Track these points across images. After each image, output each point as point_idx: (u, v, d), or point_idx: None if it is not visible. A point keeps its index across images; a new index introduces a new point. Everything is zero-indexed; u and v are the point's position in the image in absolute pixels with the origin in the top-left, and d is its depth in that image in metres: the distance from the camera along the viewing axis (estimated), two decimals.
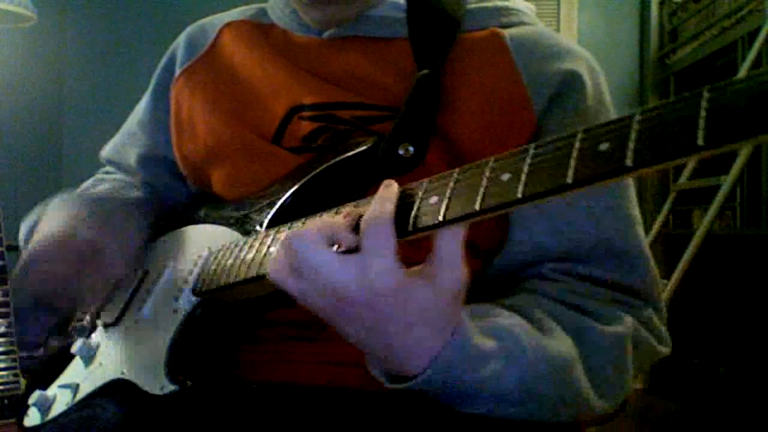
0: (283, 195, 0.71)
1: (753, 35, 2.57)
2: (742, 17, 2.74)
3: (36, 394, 0.82)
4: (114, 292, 0.85)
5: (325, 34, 0.80)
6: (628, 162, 0.39)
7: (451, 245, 0.50)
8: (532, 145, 0.45)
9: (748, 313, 2.49)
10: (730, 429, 2.38)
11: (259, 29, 0.86)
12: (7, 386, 1.48)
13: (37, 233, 0.78)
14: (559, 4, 3.49)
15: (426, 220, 0.49)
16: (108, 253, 0.76)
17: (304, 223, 0.60)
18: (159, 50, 0.98)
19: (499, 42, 0.75)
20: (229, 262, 0.66)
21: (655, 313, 0.70)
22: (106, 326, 0.82)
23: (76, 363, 0.83)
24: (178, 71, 0.90)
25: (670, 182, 3.07)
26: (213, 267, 0.69)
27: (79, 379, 0.81)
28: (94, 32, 3.36)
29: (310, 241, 0.52)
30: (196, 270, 0.72)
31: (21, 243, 0.86)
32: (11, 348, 1.53)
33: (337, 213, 0.57)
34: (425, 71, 0.72)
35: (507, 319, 0.60)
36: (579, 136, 0.43)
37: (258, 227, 0.70)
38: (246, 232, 0.71)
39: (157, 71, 0.94)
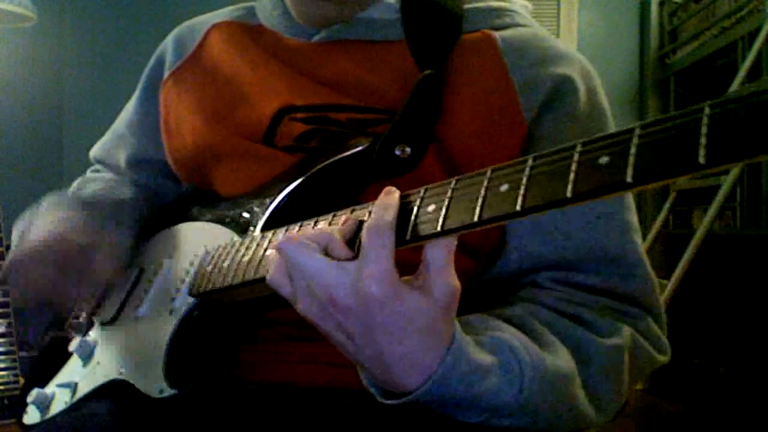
0: (278, 195, 0.70)
1: (753, 35, 2.57)
2: (742, 17, 2.74)
3: (34, 393, 0.82)
4: (108, 290, 0.85)
5: (315, 38, 0.79)
6: (628, 178, 0.38)
7: (442, 255, 0.50)
8: (531, 156, 0.45)
9: (748, 313, 2.49)
10: (731, 429, 2.38)
11: (248, 30, 0.85)
12: (7, 386, 1.48)
13: (24, 237, 0.78)
14: (559, 4, 3.49)
15: (424, 229, 0.49)
16: (97, 255, 0.76)
17: (300, 228, 0.60)
18: None
19: (490, 45, 0.74)
20: (226, 263, 0.66)
21: (653, 321, 0.69)
22: (103, 324, 0.82)
23: (74, 361, 0.83)
24: (166, 74, 0.89)
25: (670, 182, 3.07)
26: (209, 268, 0.69)
27: (78, 377, 0.80)
28: (94, 32, 3.36)
29: (303, 247, 0.52)
30: (193, 270, 0.72)
31: (13, 245, 0.86)
32: (11, 348, 1.53)
33: (334, 218, 0.57)
34: (428, 71, 0.71)
35: (506, 332, 0.59)
36: (578, 148, 0.42)
37: (253, 228, 0.70)
38: (241, 232, 0.71)
39: (146, 72, 0.93)
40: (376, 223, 0.50)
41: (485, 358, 0.55)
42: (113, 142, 0.97)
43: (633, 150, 0.39)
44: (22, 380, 1.50)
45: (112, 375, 0.76)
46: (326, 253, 0.52)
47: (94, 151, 1.00)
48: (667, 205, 2.93)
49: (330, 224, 0.57)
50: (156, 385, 0.68)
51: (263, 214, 0.70)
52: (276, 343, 0.73)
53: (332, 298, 0.50)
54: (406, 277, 0.51)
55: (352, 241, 0.53)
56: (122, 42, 3.25)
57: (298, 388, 0.71)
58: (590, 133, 0.42)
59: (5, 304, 1.52)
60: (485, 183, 0.46)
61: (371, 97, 0.74)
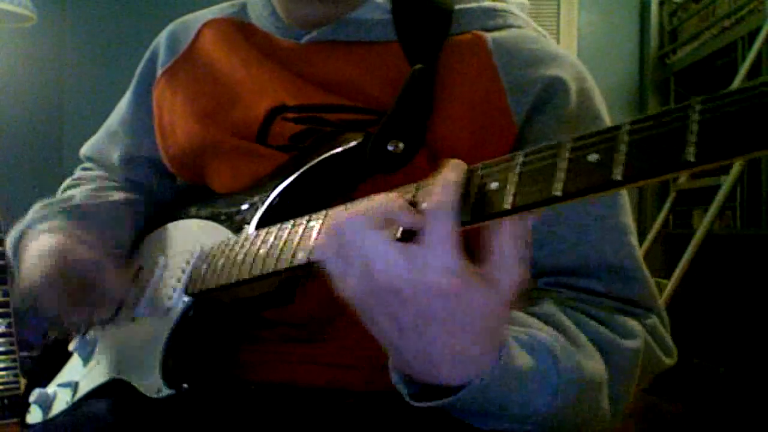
0: (272, 193, 0.70)
1: (753, 35, 2.57)
2: (742, 17, 2.74)
3: (36, 392, 0.82)
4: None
5: (305, 39, 0.78)
6: (617, 176, 0.38)
7: (510, 244, 0.46)
8: (521, 153, 0.44)
9: (748, 313, 2.49)
10: (731, 429, 2.37)
11: (240, 28, 0.84)
12: (7, 386, 1.48)
13: (23, 264, 0.77)
14: (559, 4, 3.48)
15: (492, 207, 0.44)
16: (99, 278, 0.75)
17: (347, 209, 0.54)
18: None
19: (481, 46, 0.73)
20: (220, 262, 0.66)
21: (659, 321, 0.68)
22: (102, 323, 0.82)
23: (75, 361, 0.83)
24: (159, 71, 0.89)
25: (670, 182, 3.07)
26: (204, 266, 0.69)
27: (78, 377, 0.81)
28: (94, 32, 3.36)
29: (364, 225, 0.47)
30: (189, 269, 0.72)
31: (9, 250, 0.85)
32: (11, 348, 1.53)
33: (385, 197, 0.52)
34: (419, 66, 0.71)
35: (543, 332, 0.56)
36: (568, 145, 0.41)
37: (247, 226, 0.70)
38: (236, 230, 0.71)
39: (139, 69, 0.93)
40: (440, 204, 0.45)
41: (525, 361, 0.52)
42: (106, 139, 0.97)
43: (622, 147, 0.38)
44: (22, 380, 1.49)
45: (112, 374, 0.76)
46: (386, 226, 0.47)
47: (85, 150, 1.00)
48: (667, 205, 2.93)
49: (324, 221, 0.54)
50: (153, 385, 0.68)
51: (257, 211, 0.70)
52: (276, 344, 0.73)
53: (393, 285, 0.45)
54: (475, 270, 0.47)
55: (414, 223, 0.48)
56: (122, 42, 3.25)
57: (298, 388, 0.71)
58: None
59: (5, 304, 1.52)
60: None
61: (363, 98, 0.73)
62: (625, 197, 0.70)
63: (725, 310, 2.64)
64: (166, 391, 0.67)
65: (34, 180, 3.08)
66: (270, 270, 0.58)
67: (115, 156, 0.94)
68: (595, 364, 0.58)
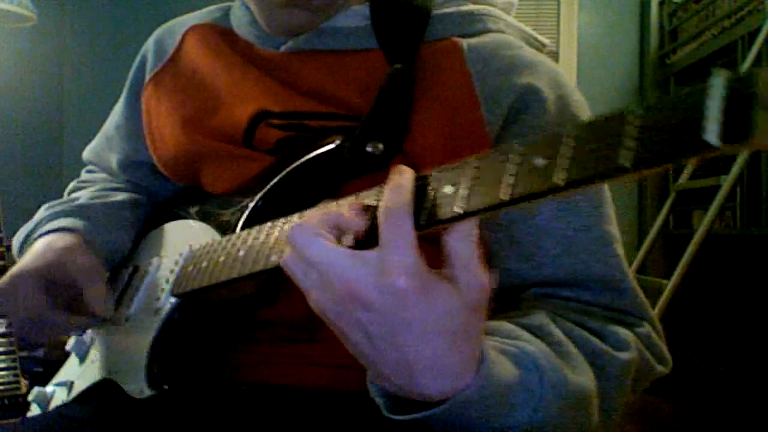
0: (254, 197, 0.70)
1: (753, 35, 2.57)
2: (742, 17, 2.74)
3: (35, 391, 0.83)
4: (108, 287, 0.85)
5: (282, 48, 0.78)
6: (558, 181, 0.37)
7: (465, 246, 0.45)
8: (474, 157, 0.44)
9: (748, 313, 2.49)
10: (731, 429, 2.38)
11: (223, 33, 0.85)
12: (7, 386, 1.48)
13: (23, 259, 0.77)
14: (559, 4, 3.48)
15: (444, 212, 0.44)
16: (87, 292, 0.75)
17: (301, 216, 0.56)
18: None
19: (456, 53, 0.72)
20: (204, 264, 0.66)
21: (652, 329, 0.67)
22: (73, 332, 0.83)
23: (72, 360, 0.83)
24: (147, 77, 0.89)
25: (670, 182, 3.08)
26: (191, 267, 0.69)
27: (74, 376, 0.81)
28: (94, 32, 3.36)
29: (315, 236, 0.46)
30: (177, 269, 0.72)
31: (15, 253, 0.86)
32: (11, 348, 1.53)
33: (338, 204, 0.53)
34: (397, 65, 0.70)
35: (531, 344, 0.55)
36: (517, 149, 0.41)
37: (233, 227, 0.70)
38: (223, 231, 0.71)
39: (131, 74, 0.93)
40: (392, 207, 0.44)
41: (509, 373, 0.51)
42: (103, 144, 0.98)
43: (565, 151, 0.38)
44: (22, 380, 1.50)
45: (102, 374, 0.76)
46: (339, 235, 0.47)
47: (86, 154, 1.02)
48: (667, 205, 2.93)
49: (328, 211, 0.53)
50: (136, 386, 0.69)
51: (242, 216, 0.70)
52: (269, 345, 0.73)
53: (353, 292, 0.44)
54: (437, 269, 0.46)
55: (369, 227, 0.47)
56: (122, 42, 3.25)
57: (291, 389, 0.71)
58: None
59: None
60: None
61: (343, 105, 0.73)
62: (609, 206, 0.69)
63: (725, 310, 2.64)
64: (147, 392, 0.67)
65: (34, 180, 3.08)
66: (246, 272, 0.58)
67: (113, 161, 0.95)
68: (584, 379, 0.56)
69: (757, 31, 2.53)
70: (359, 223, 0.47)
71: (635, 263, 2.86)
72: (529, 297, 0.66)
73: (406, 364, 0.46)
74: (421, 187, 0.46)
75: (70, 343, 0.83)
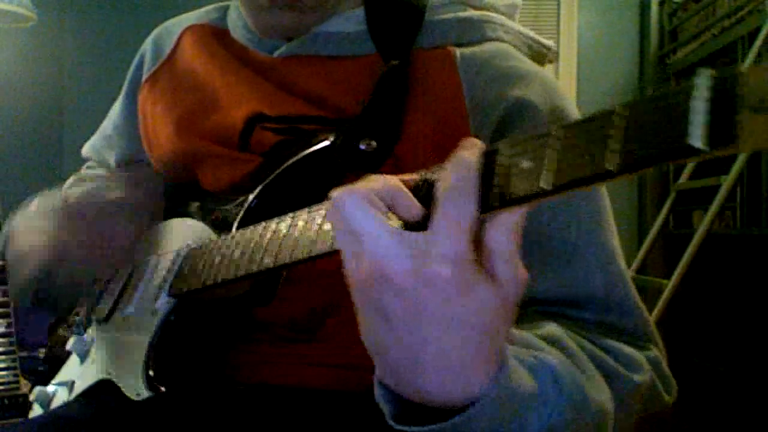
0: (250, 195, 0.70)
1: (753, 35, 2.57)
2: (742, 17, 2.74)
3: (36, 390, 0.83)
4: (105, 287, 0.85)
5: (276, 53, 0.77)
6: (544, 185, 0.36)
7: (506, 239, 0.41)
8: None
9: (748, 313, 2.49)
10: (731, 429, 2.37)
11: (219, 34, 0.84)
12: (7, 386, 1.48)
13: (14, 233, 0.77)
14: (559, 4, 3.48)
15: (522, 189, 0.39)
16: (118, 220, 0.76)
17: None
18: None
19: (449, 62, 0.71)
20: (200, 263, 0.66)
21: (659, 353, 0.64)
22: (98, 322, 0.83)
23: (73, 359, 0.83)
24: (144, 77, 0.89)
25: (670, 182, 3.07)
26: (187, 268, 0.69)
27: (75, 376, 0.81)
28: (94, 32, 3.36)
29: (362, 201, 0.42)
30: (174, 269, 0.73)
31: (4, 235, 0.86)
32: (11, 348, 1.53)
33: (309, 214, 0.51)
34: (393, 62, 0.70)
35: (549, 354, 0.51)
36: (507, 149, 0.39)
37: (229, 227, 0.70)
38: (220, 230, 0.71)
39: (129, 74, 0.93)
40: (452, 187, 0.40)
41: (526, 384, 0.47)
42: (102, 142, 0.98)
43: (550, 153, 0.36)
44: (22, 380, 1.49)
45: (101, 375, 0.76)
46: (389, 213, 0.42)
47: (86, 150, 1.02)
48: (667, 205, 2.93)
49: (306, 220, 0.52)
50: (133, 388, 0.68)
51: (238, 215, 0.70)
52: (268, 345, 0.73)
53: (384, 273, 0.40)
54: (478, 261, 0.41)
55: (424, 201, 0.43)
56: (122, 42, 3.24)
57: (291, 389, 0.71)
58: None
59: (5, 304, 1.51)
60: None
61: (336, 111, 0.72)
62: (610, 216, 0.67)
63: (725, 310, 2.64)
64: (145, 394, 0.67)
65: (34, 180, 3.07)
66: (242, 273, 0.58)
67: (111, 160, 0.96)
68: (601, 394, 0.53)
69: (757, 31, 2.53)
70: (414, 201, 0.43)
71: (635, 263, 2.85)
72: (530, 314, 0.63)
73: (418, 356, 0.42)
74: (489, 164, 0.41)
75: (71, 342, 0.83)
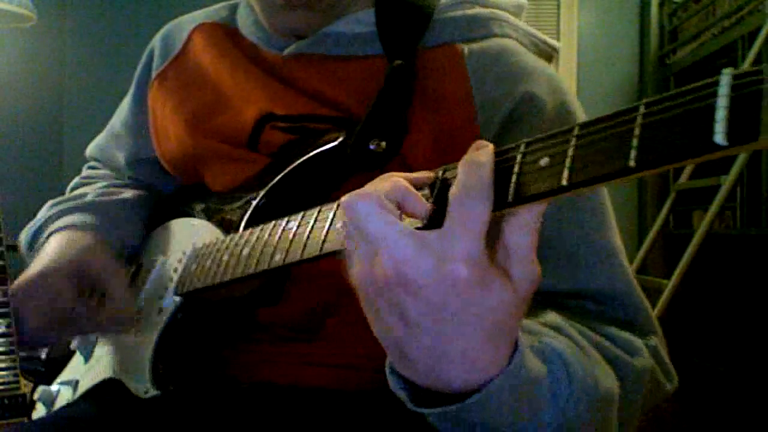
0: (258, 195, 0.70)
1: (753, 35, 2.57)
2: (742, 17, 2.74)
3: (40, 390, 0.83)
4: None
5: (286, 52, 0.78)
6: (564, 181, 0.37)
7: (526, 238, 0.42)
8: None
9: (748, 313, 2.49)
10: (730, 428, 2.38)
11: (229, 33, 0.84)
12: (7, 386, 1.48)
13: (42, 257, 0.77)
14: (559, 4, 3.48)
15: (540, 186, 0.40)
16: (110, 284, 0.75)
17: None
18: None
19: (456, 59, 0.72)
20: (208, 262, 0.67)
21: (659, 343, 0.64)
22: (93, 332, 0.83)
23: (77, 359, 0.83)
24: (153, 74, 0.89)
25: (670, 182, 3.07)
26: (194, 266, 0.70)
27: (79, 375, 0.81)
28: (94, 32, 3.36)
29: (376, 206, 0.42)
30: (180, 268, 0.73)
31: (23, 251, 0.86)
32: (11, 348, 1.53)
33: (319, 214, 0.52)
34: (398, 62, 0.70)
35: (556, 339, 0.52)
36: (521, 148, 0.40)
37: (236, 226, 0.70)
38: (227, 229, 0.71)
39: (138, 71, 0.93)
40: (467, 187, 0.41)
41: (537, 368, 0.48)
42: (110, 142, 0.97)
43: (571, 152, 0.37)
44: (22, 380, 1.49)
45: (106, 374, 0.76)
46: (400, 213, 0.43)
47: (91, 151, 1.01)
48: (667, 205, 2.93)
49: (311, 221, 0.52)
50: (141, 386, 0.69)
51: (245, 214, 0.70)
52: (271, 345, 0.73)
53: (403, 274, 0.41)
54: (493, 260, 0.42)
55: (438, 205, 0.43)
56: (122, 42, 3.25)
57: (293, 388, 0.71)
58: None
59: (5, 304, 1.51)
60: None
61: (344, 111, 0.72)
62: (611, 215, 0.68)
63: (725, 310, 2.64)
64: (153, 392, 0.67)
65: (34, 180, 3.08)
66: (251, 272, 0.59)
67: (120, 158, 0.95)
68: (608, 378, 0.54)
69: (757, 31, 2.53)
70: (423, 201, 0.44)
71: (635, 263, 2.86)
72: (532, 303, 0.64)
73: (437, 352, 0.43)
74: (504, 163, 0.42)
75: (75, 342, 0.83)
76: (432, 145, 0.69)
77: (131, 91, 0.94)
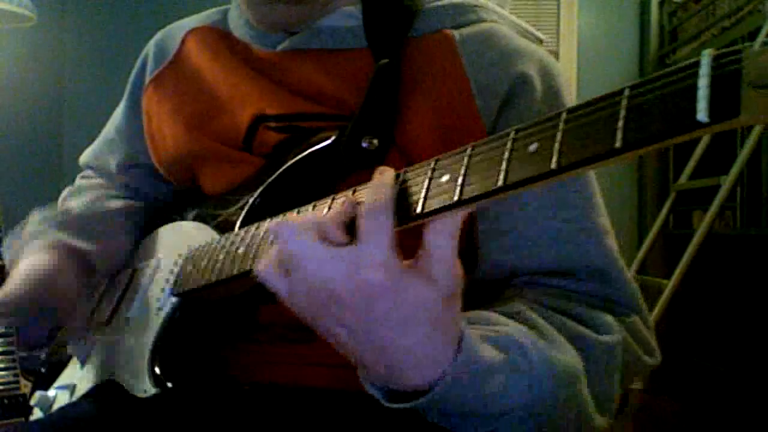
0: (253, 195, 0.71)
1: (753, 35, 2.57)
2: (742, 17, 2.74)
3: (37, 395, 0.83)
4: (106, 292, 0.86)
5: (279, 47, 0.78)
6: (553, 165, 0.38)
7: (445, 239, 0.46)
8: (470, 146, 0.44)
9: (748, 313, 2.49)
10: (730, 429, 2.38)
11: (222, 36, 0.85)
12: (7, 386, 1.48)
13: (11, 281, 0.78)
14: (559, 4, 3.48)
15: (437, 202, 0.45)
16: (66, 306, 0.78)
17: (284, 216, 0.58)
18: None
19: (448, 44, 0.73)
20: (203, 263, 0.67)
21: (641, 321, 0.66)
22: (99, 326, 0.83)
23: (74, 363, 0.83)
24: (147, 79, 0.90)
25: (670, 182, 3.07)
26: (190, 267, 0.70)
27: (76, 379, 0.81)
28: (94, 32, 3.36)
29: (299, 233, 0.48)
30: (177, 269, 0.73)
31: (6, 261, 0.86)
32: (11, 348, 1.53)
33: (333, 201, 0.54)
34: (384, 61, 0.70)
35: (511, 327, 0.56)
36: (511, 135, 0.42)
37: (231, 228, 0.70)
38: (222, 231, 0.72)
39: (131, 77, 0.94)
40: (371, 204, 0.46)
41: (492, 355, 0.52)
42: (104, 147, 0.98)
43: (559, 136, 0.38)
44: (22, 380, 1.50)
45: (104, 376, 0.76)
46: (323, 239, 0.48)
47: (85, 158, 1.01)
48: (667, 205, 2.93)
49: (319, 209, 0.55)
50: (140, 385, 0.69)
51: (241, 215, 0.70)
52: (271, 345, 0.73)
53: (330, 289, 0.46)
54: (407, 261, 0.47)
55: (351, 225, 0.48)
56: (122, 42, 3.25)
57: (292, 389, 0.71)
58: None
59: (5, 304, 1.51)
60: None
61: (337, 105, 0.73)
62: (598, 197, 0.69)
63: (725, 310, 2.64)
64: (151, 391, 0.67)
65: (34, 180, 3.08)
66: (246, 269, 0.59)
67: (113, 163, 0.96)
68: (568, 357, 0.56)
69: (757, 31, 2.53)
70: (345, 220, 0.48)
71: (635, 263, 2.86)
72: (515, 284, 0.67)
73: (385, 355, 0.48)
74: (404, 183, 0.48)
75: (71, 346, 0.83)
76: (433, 133, 0.69)
77: (124, 97, 0.95)
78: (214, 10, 0.91)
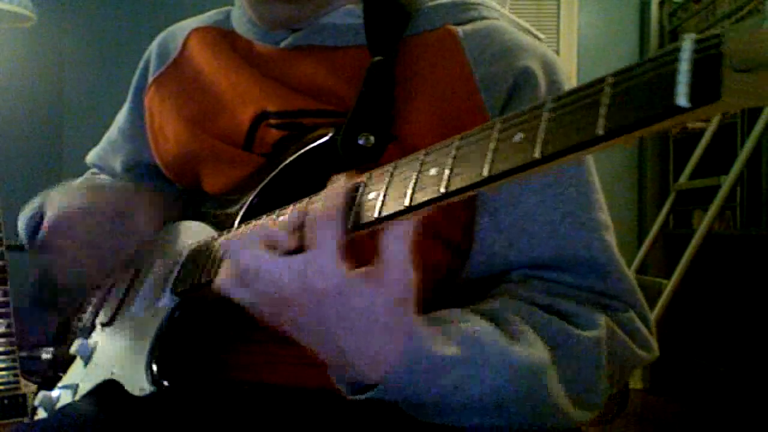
0: (251, 194, 0.71)
1: None
2: (742, 17, 2.75)
3: (40, 395, 0.83)
4: (109, 292, 0.86)
5: (282, 44, 0.79)
6: (536, 154, 0.38)
7: (397, 244, 0.48)
8: (457, 137, 0.45)
9: (748, 313, 2.49)
10: (731, 429, 2.38)
11: (224, 35, 0.86)
12: (7, 386, 1.48)
13: (53, 208, 0.79)
14: (559, 4, 3.49)
15: (365, 216, 0.47)
16: (136, 214, 0.79)
17: (244, 226, 0.60)
18: None
19: (452, 40, 0.73)
20: (203, 261, 0.67)
21: (637, 316, 0.67)
22: (102, 326, 0.83)
23: (77, 363, 0.84)
24: (150, 79, 0.90)
25: (670, 182, 3.08)
26: (189, 266, 0.70)
27: (79, 379, 0.81)
28: (94, 32, 3.36)
29: (246, 244, 0.50)
30: (177, 268, 0.73)
31: (21, 233, 0.86)
32: (11, 348, 1.53)
33: (281, 211, 0.56)
34: (378, 58, 0.71)
35: (474, 324, 0.57)
36: (497, 126, 0.42)
37: (231, 227, 0.70)
38: (222, 230, 0.72)
39: (134, 78, 0.94)
40: (319, 213, 0.49)
41: (448, 350, 0.54)
42: (107, 148, 0.99)
43: (543, 125, 0.38)
44: (22, 380, 1.50)
45: (105, 375, 0.76)
46: (273, 248, 0.50)
47: (90, 158, 1.02)
48: (667, 205, 2.93)
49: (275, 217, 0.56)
50: (138, 383, 0.69)
51: (240, 213, 0.71)
52: (270, 345, 0.73)
53: (283, 296, 0.49)
54: (359, 269, 0.49)
55: (299, 232, 0.51)
56: (122, 42, 3.25)
57: (292, 389, 0.71)
58: None
59: (5, 304, 1.52)
60: (418, 166, 0.45)
61: (336, 101, 0.73)
62: (598, 193, 0.69)
63: (725, 310, 2.64)
64: (149, 389, 0.67)
65: (34, 180, 3.08)
66: None
67: (117, 164, 0.96)
68: (530, 349, 0.57)
69: None
70: (290, 230, 0.51)
71: (635, 263, 2.86)
72: (511, 279, 0.67)
73: (342, 355, 0.51)
74: (357, 191, 0.49)
75: (75, 346, 0.83)
76: (435, 129, 0.69)
77: (128, 99, 0.95)
78: (215, 11, 0.91)
